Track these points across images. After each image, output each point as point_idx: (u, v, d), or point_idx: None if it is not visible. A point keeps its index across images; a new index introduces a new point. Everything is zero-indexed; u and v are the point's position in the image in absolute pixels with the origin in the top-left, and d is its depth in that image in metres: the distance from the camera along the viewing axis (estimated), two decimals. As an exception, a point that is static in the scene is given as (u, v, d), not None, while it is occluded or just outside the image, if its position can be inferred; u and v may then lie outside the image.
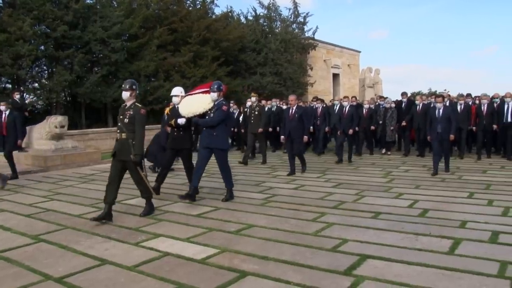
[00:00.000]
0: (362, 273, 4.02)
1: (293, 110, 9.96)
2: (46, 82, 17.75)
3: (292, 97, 10.20)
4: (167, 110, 8.38)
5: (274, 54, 25.84)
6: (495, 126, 11.88)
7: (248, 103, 13.16)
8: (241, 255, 4.60)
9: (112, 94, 18.40)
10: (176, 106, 7.74)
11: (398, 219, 5.90)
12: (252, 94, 12.56)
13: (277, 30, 27.94)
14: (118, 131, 6.18)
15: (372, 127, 13.54)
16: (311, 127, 13.64)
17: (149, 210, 6.49)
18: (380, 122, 13.48)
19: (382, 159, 12.65)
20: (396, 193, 7.67)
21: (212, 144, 7.13)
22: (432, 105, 10.73)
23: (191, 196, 7.09)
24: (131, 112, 6.08)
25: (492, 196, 7.27)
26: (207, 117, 7.22)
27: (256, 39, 25.73)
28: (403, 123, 13.03)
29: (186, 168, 7.90)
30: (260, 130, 12.08)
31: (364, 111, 13.65)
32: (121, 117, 6.15)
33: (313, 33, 29.22)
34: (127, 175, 6.38)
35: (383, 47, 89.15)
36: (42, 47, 17.14)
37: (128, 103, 6.18)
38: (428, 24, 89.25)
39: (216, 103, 7.20)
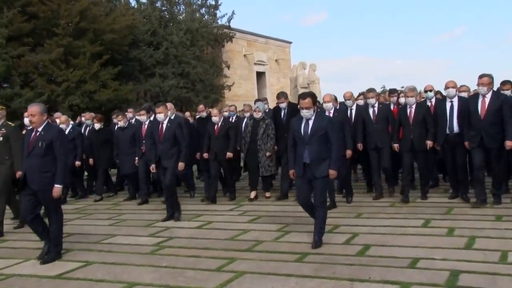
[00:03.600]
0: None
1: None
2: None
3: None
4: None
5: (177, 49, 25.70)
6: (429, 143, 9.02)
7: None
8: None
9: None
10: None
11: (330, 260, 5.88)
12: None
13: (180, 17, 27.91)
14: None
15: (229, 154, 10.29)
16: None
17: None
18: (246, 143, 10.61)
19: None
20: (331, 225, 7.60)
21: None
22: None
23: None
24: None
25: (453, 222, 7.41)
26: None
27: (152, 30, 25.41)
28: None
29: None
30: (19, 173, 8.16)
31: (215, 128, 10.45)
32: None
33: (229, 20, 29.55)
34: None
35: (321, 35, 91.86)
36: None
37: None
38: (377, 3, 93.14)
39: None
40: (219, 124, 10.43)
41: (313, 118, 6.73)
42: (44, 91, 19.44)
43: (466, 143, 8.57)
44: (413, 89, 9.27)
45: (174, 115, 11.00)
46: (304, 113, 6.71)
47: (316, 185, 6.70)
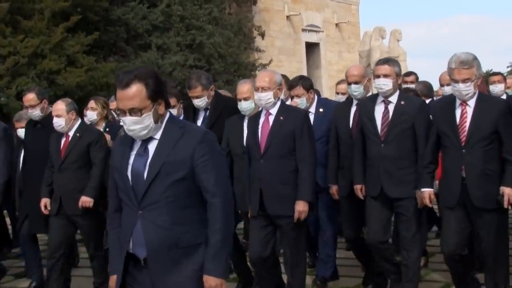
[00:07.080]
0: None
1: None
2: None
3: None
4: None
5: (184, 8, 25.98)
6: (509, 192, 5.85)
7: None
8: None
9: None
10: None
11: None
12: None
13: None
14: None
15: (85, 199, 7.54)
16: None
17: None
18: None
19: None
20: (431, 280, 7.88)
21: None
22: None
23: None
24: None
25: None
26: None
27: (145, -24, 25.64)
28: None
29: None
30: None
31: (61, 142, 7.93)
32: None
33: (263, -37, 29.64)
34: None
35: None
36: None
37: None
38: None
39: None
40: (72, 134, 7.63)
41: (158, 136, 3.98)
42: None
43: None
44: (467, 61, 6.04)
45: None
46: (126, 122, 3.87)
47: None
